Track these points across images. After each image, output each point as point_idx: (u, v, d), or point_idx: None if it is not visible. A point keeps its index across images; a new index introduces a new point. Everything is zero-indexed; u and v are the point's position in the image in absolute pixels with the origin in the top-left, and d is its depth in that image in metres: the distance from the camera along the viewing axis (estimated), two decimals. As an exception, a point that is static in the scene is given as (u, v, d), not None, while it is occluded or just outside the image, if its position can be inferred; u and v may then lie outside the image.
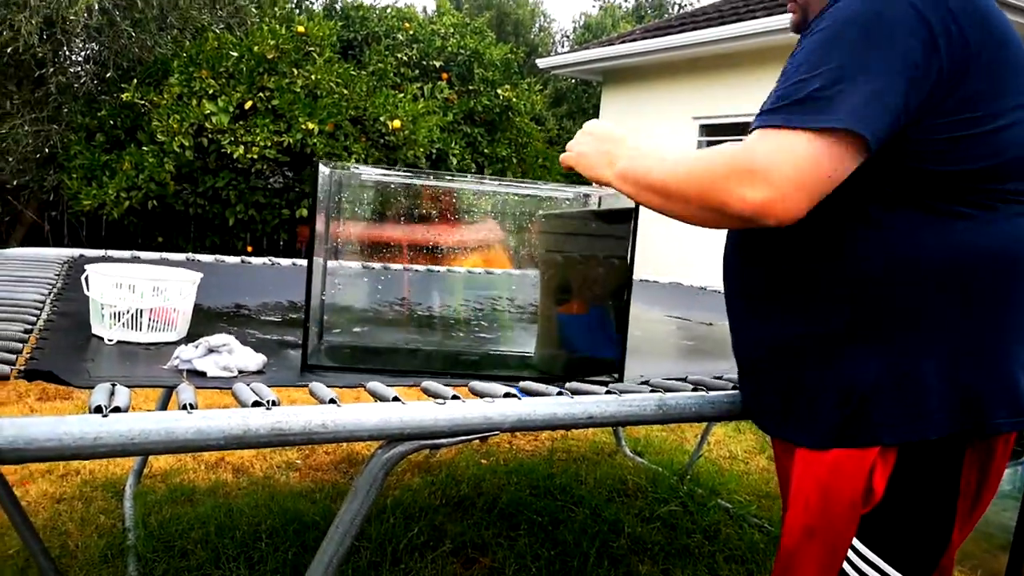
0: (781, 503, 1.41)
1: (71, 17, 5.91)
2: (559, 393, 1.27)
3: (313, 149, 5.62)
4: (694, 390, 1.40)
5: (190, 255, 2.76)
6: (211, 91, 5.73)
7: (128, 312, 1.43)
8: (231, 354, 1.28)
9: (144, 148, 5.83)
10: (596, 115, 10.43)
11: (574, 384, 1.40)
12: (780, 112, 0.95)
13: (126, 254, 2.70)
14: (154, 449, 0.94)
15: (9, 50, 5.87)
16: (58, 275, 2.15)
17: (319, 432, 1.04)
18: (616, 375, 1.50)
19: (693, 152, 1.07)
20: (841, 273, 1.05)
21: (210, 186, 5.96)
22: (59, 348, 1.35)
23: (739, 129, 6.91)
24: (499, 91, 7.14)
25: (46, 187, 6.56)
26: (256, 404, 1.04)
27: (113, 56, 6.73)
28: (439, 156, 6.48)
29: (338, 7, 7.62)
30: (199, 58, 6.05)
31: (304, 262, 2.95)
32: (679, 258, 6.95)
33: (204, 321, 1.71)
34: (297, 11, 7.80)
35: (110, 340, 1.42)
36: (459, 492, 3.01)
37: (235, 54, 5.94)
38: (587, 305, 1.56)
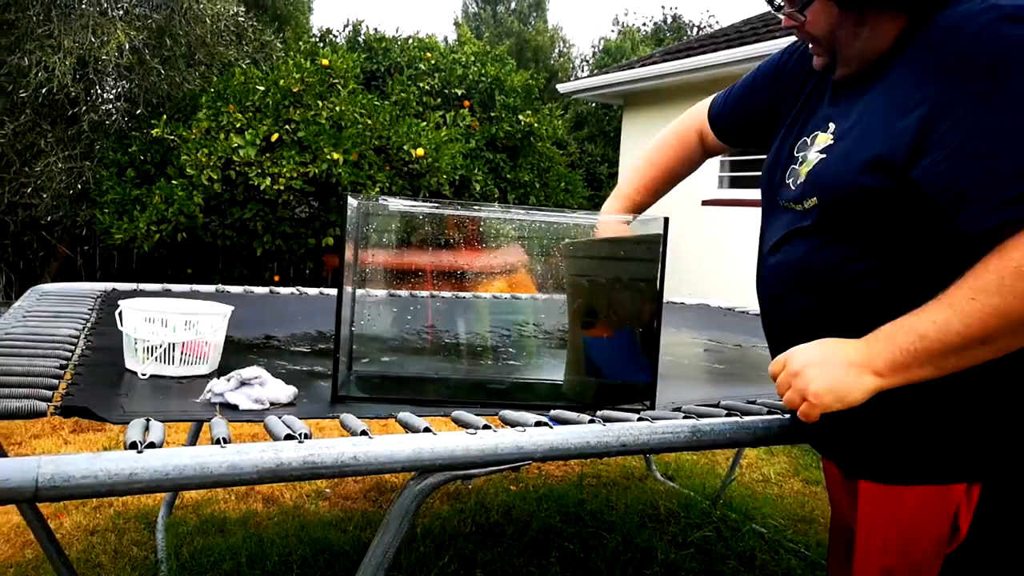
0: (830, 537, 1.38)
1: (103, 57, 6.07)
2: (591, 421, 1.26)
3: (338, 179, 5.69)
4: (728, 416, 1.38)
5: (219, 287, 2.80)
6: (238, 125, 5.84)
7: (161, 346, 1.44)
8: (263, 386, 1.28)
9: (173, 182, 5.94)
10: (618, 138, 10.45)
11: (605, 412, 1.38)
12: None
13: (157, 287, 2.74)
14: (188, 484, 0.94)
15: (44, 90, 6.03)
16: (91, 309, 2.19)
17: (351, 465, 1.03)
18: (647, 402, 1.48)
19: (969, 289, 0.92)
20: None
21: (238, 217, 6.05)
22: (94, 383, 1.36)
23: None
24: (520, 117, 7.19)
25: (79, 222, 6.70)
26: (288, 437, 1.04)
27: (143, 93, 6.89)
28: (462, 182, 6.53)
29: (361, 40, 7.75)
30: (226, 93, 6.17)
31: (332, 291, 2.97)
32: (705, 277, 6.90)
33: (235, 353, 1.72)
34: (321, 44, 7.95)
35: (143, 374, 1.44)
36: (489, 519, 2.98)
37: (261, 88, 6.05)
38: (616, 331, 1.55)
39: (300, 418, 1.27)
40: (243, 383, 1.27)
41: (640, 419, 1.30)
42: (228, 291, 2.77)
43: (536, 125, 7.21)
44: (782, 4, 1.15)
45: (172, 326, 1.47)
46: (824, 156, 1.12)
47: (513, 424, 1.27)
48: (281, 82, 6.02)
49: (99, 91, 6.72)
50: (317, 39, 8.41)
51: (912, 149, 0.97)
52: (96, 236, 6.60)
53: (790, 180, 1.20)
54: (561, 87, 9.11)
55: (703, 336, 2.73)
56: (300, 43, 7.80)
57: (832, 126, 1.14)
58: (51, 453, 1.20)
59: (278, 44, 8.22)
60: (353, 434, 1.11)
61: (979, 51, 0.92)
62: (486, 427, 1.18)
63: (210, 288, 2.80)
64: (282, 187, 5.66)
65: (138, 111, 6.82)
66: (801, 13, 1.12)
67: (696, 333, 2.80)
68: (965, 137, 0.92)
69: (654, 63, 8.25)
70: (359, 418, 1.27)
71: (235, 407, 1.25)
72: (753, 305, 3.55)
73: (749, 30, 7.86)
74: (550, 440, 1.18)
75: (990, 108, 0.90)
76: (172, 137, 6.10)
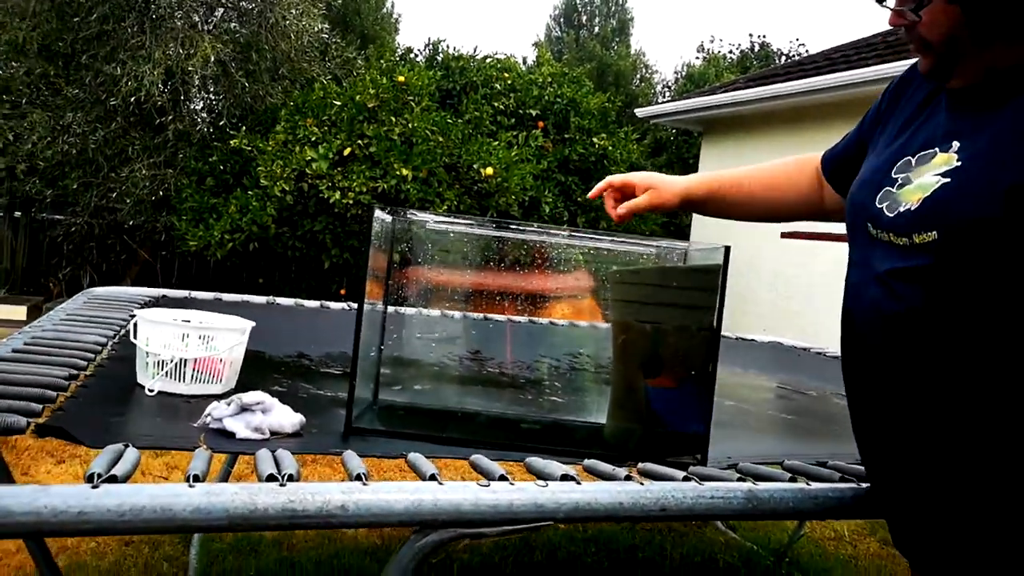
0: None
1: (190, 68, 6.25)
2: (627, 477, 1.09)
3: (407, 195, 5.67)
4: (792, 479, 1.18)
5: (271, 299, 2.74)
6: (314, 138, 5.90)
7: (171, 361, 1.35)
8: (265, 413, 1.17)
9: (249, 192, 6.04)
10: (696, 165, 10.18)
11: (648, 465, 1.21)
12: None
13: (209, 295, 2.70)
14: (147, 528, 0.82)
15: (133, 99, 6.25)
16: (131, 316, 2.14)
17: (338, 516, 0.90)
18: (699, 455, 1.30)
19: None
20: None
21: (308, 229, 6.10)
22: (95, 398, 1.28)
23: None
24: (595, 139, 7.04)
25: (159, 228, 6.90)
26: (271, 478, 0.92)
27: (228, 104, 7.08)
28: (532, 203, 6.42)
29: (439, 58, 7.78)
30: (305, 107, 6.26)
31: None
32: (780, 313, 6.56)
33: (258, 371, 1.63)
34: (402, 63, 8.02)
35: (151, 391, 1.35)
36: (533, 559, 2.80)
37: (338, 103, 6.11)
38: (666, 373, 1.37)
39: (304, 452, 1.15)
40: (243, 408, 1.16)
41: (686, 478, 1.12)
42: (279, 303, 2.71)
43: (611, 148, 7.05)
44: None
45: (186, 340, 1.38)
46: (947, 180, 0.91)
47: (538, 474, 1.11)
48: (357, 97, 6.06)
49: (186, 102, 6.93)
50: (398, 58, 8.50)
51: None
52: (174, 243, 6.78)
53: (883, 205, 0.99)
54: (639, 111, 8.93)
55: (773, 379, 2.51)
56: (382, 61, 7.88)
57: (956, 144, 0.94)
58: (37, 477, 1.12)
59: (360, 61, 8.34)
60: (350, 477, 0.97)
61: None
62: (503, 478, 1.03)
63: (262, 299, 2.75)
64: (351, 201, 5.67)
65: (221, 122, 7.00)
66: (916, 13, 0.94)
67: (765, 375, 2.58)
68: None
69: (736, 89, 7.98)
70: (368, 456, 1.14)
71: (232, 434, 1.14)
72: (832, 346, 3.28)
73: (840, 56, 7.51)
74: (575, 499, 1.02)
75: None
76: (250, 148, 6.21)
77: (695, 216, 8.57)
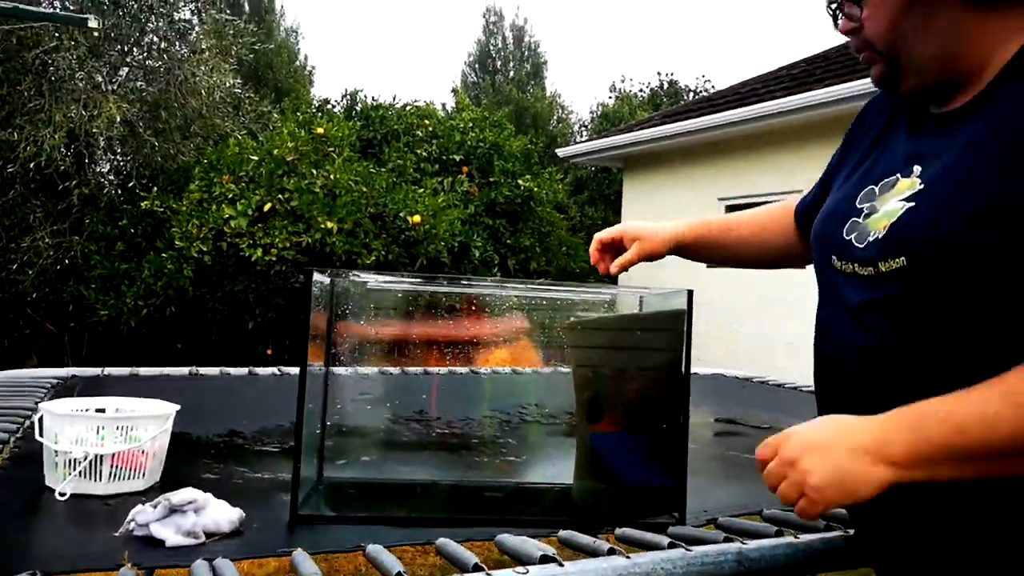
0: None
1: (94, 130, 5.98)
2: (611, 551, 1.00)
3: (332, 248, 5.51)
4: (778, 533, 1.11)
5: (193, 369, 2.55)
6: (231, 195, 5.70)
7: (85, 459, 1.19)
8: (198, 513, 1.03)
9: (163, 255, 5.76)
10: (618, 201, 10.35)
11: (627, 530, 1.12)
12: None
13: (124, 371, 2.49)
14: None
15: (32, 165, 5.91)
16: (38, 403, 1.94)
17: (293, 637, 0.77)
18: (676, 514, 1.22)
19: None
20: None
21: (229, 290, 5.85)
22: (-6, 510, 1.11)
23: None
24: (520, 181, 7.06)
25: (65, 298, 6.50)
26: (211, 600, 0.78)
27: (136, 166, 6.79)
28: (462, 249, 6.35)
29: (358, 108, 7.70)
30: (219, 163, 6.06)
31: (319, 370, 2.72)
32: (716, 344, 6.64)
33: (186, 458, 1.47)
34: (319, 115, 7.90)
35: (62, 495, 1.18)
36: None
37: (255, 158, 5.94)
38: (635, 428, 1.30)
39: (248, 556, 1.02)
40: (173, 510, 1.01)
41: (671, 544, 1.03)
42: (202, 373, 2.52)
43: (536, 189, 7.08)
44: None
45: (101, 433, 1.22)
46: (912, 204, 0.87)
47: (513, 556, 1.01)
48: (275, 151, 5.90)
49: (91, 164, 6.61)
50: (315, 110, 8.37)
51: None
52: (84, 313, 6.39)
53: (851, 237, 0.95)
54: (560, 151, 9.04)
55: (723, 413, 2.47)
56: (298, 113, 7.75)
57: (917, 168, 0.90)
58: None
59: (275, 115, 8.18)
60: (302, 586, 0.85)
61: None
62: (477, 568, 0.92)
63: (183, 370, 2.55)
64: (274, 258, 5.47)
65: (130, 184, 6.70)
66: (858, 5, 0.91)
67: (715, 410, 2.54)
68: None
69: (652, 126, 8.18)
70: (321, 552, 1.01)
71: (161, 542, 0.99)
72: (772, 374, 3.28)
73: (749, 91, 7.80)
74: (559, 583, 0.92)
75: None
76: (163, 209, 5.95)
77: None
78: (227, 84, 7.45)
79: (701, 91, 16.00)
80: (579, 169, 12.49)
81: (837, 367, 0.97)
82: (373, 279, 1.23)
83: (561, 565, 0.94)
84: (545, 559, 0.95)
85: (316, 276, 1.19)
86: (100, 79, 6.66)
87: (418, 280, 1.35)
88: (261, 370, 2.65)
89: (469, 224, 6.52)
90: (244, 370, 2.63)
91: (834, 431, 0.82)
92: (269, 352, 6.22)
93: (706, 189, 7.64)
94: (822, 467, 0.80)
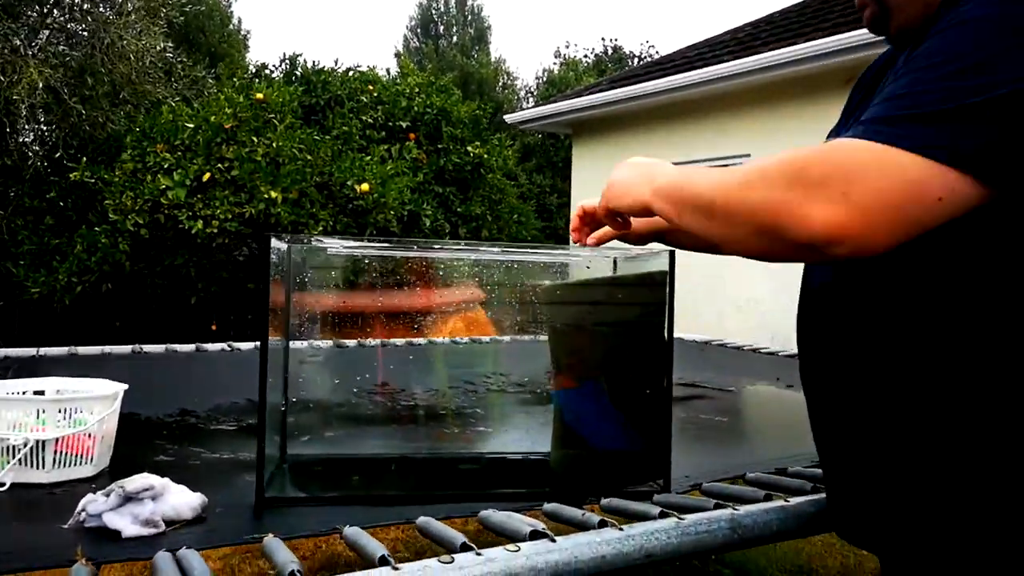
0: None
1: (15, 97, 5.61)
2: (601, 523, 0.95)
3: (277, 219, 5.32)
4: (767, 497, 1.09)
5: (136, 347, 2.42)
6: (167, 165, 5.43)
7: (26, 445, 1.09)
8: (156, 500, 0.94)
9: (96, 229, 5.48)
10: (566, 168, 10.30)
11: (613, 500, 1.08)
12: None
13: (62, 350, 2.34)
14: None
15: (-52, 134, 5.54)
16: (-33, 387, 1.80)
17: (274, 633, 0.70)
18: (660, 481, 1.19)
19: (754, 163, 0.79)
20: None
21: (169, 264, 5.61)
22: (-77, 506, 1.00)
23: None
24: (469, 148, 6.93)
25: (-8, 276, 6.16)
26: (179, 596, 0.71)
27: (63, 135, 6.43)
28: (411, 218, 6.21)
29: (298, 73, 7.42)
30: (153, 132, 5.76)
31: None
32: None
33: (136, 440, 1.37)
34: (257, 80, 7.59)
35: (2, 485, 1.08)
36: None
37: (191, 125, 5.67)
38: (615, 393, 1.25)
39: (214, 545, 0.94)
40: (128, 499, 0.93)
41: (663, 513, 0.99)
42: (147, 351, 2.39)
43: (486, 156, 6.97)
44: None
45: (42, 417, 1.12)
46: None
47: (499, 532, 0.96)
48: (212, 118, 5.64)
49: (13, 134, 6.23)
50: (252, 75, 8.05)
51: None
52: (13, 291, 6.06)
53: None
54: (508, 117, 8.92)
55: (687, 378, 2.46)
56: (235, 79, 7.43)
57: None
58: None
59: (210, 80, 7.84)
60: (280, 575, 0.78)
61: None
62: (465, 547, 0.86)
63: (126, 349, 2.41)
64: (216, 230, 5.26)
65: (57, 154, 6.34)
66: None
67: (679, 373, 2.53)
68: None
69: (601, 91, 8.12)
70: (294, 537, 0.94)
71: (117, 533, 0.91)
72: (730, 337, 3.29)
73: (696, 55, 7.79)
74: (553, 560, 0.87)
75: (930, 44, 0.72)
76: (94, 180, 5.65)
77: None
78: (157, 48, 7.09)
79: (646, 57, 15.99)
80: (526, 136, 12.38)
81: (802, 325, 0.97)
82: (336, 244, 1.14)
83: (553, 540, 0.89)
84: (536, 535, 0.90)
85: (274, 242, 1.10)
86: (18, 42, 6.26)
87: (384, 245, 1.27)
88: (210, 346, 2.53)
89: (418, 192, 6.38)
90: (191, 346, 2.51)
91: (650, 161, 0.98)
92: (214, 328, 6.02)
93: (658, 154, 7.56)
94: (619, 174, 1.02)
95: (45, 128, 6.59)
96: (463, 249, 1.34)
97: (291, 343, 1.29)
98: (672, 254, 1.16)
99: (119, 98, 6.84)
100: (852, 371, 0.86)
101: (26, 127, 6.47)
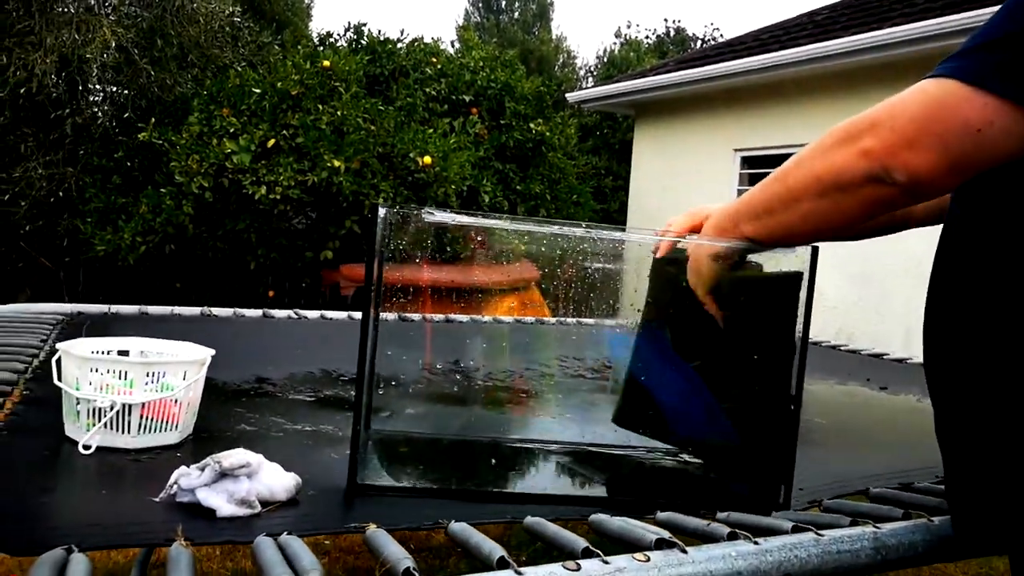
0: None
1: (87, 56, 5.68)
2: (731, 535, 0.86)
3: (339, 188, 5.30)
4: (905, 516, 0.98)
5: (205, 309, 2.39)
6: (232, 129, 5.45)
7: (112, 408, 1.04)
8: (251, 479, 0.88)
9: (162, 190, 5.53)
10: (623, 151, 10.09)
11: (734, 514, 0.98)
12: None
13: (133, 309, 2.33)
14: None
15: (23, 91, 5.63)
16: (44, 341, 1.78)
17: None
18: (782, 497, 1.08)
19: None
20: None
21: (230, 228, 5.64)
22: (9, 466, 0.96)
23: (782, 160, 6.66)
24: (532, 125, 6.81)
25: (60, 232, 6.28)
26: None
27: (132, 96, 6.50)
28: (470, 193, 6.14)
29: (363, 42, 7.37)
30: (220, 96, 5.78)
31: (334, 314, 2.57)
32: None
33: (216, 407, 1.32)
34: (321, 48, 7.57)
35: (86, 448, 1.03)
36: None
37: (257, 91, 5.67)
38: (732, 402, 1.15)
39: (315, 532, 0.87)
40: (223, 474, 0.86)
41: (796, 528, 0.90)
42: (215, 314, 2.36)
43: (548, 134, 6.84)
44: None
45: (130, 379, 1.07)
46: None
47: (617, 539, 0.87)
48: (279, 84, 5.63)
49: (84, 93, 6.33)
50: (317, 43, 8.03)
51: None
52: (79, 248, 6.18)
53: None
54: (570, 96, 8.77)
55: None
56: (299, 47, 7.42)
57: None
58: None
59: (276, 46, 7.85)
60: (394, 574, 0.70)
61: None
62: (588, 552, 0.78)
63: (195, 310, 2.39)
64: (278, 196, 5.26)
65: (126, 114, 6.42)
66: None
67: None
68: None
69: (668, 71, 7.90)
70: (397, 528, 0.87)
71: (211, 512, 0.85)
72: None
73: (769, 37, 7.52)
74: (685, 572, 0.78)
75: None
76: (161, 142, 5.70)
77: (630, 208, 8.47)
78: (225, 13, 7.12)
79: (709, 39, 15.57)
80: (584, 116, 12.18)
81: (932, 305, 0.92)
82: (449, 217, 1.06)
83: (684, 551, 0.80)
84: (663, 543, 0.82)
85: (380, 210, 1.03)
86: (93, 2, 6.33)
87: (501, 219, 1.18)
88: (277, 312, 2.50)
89: (479, 168, 6.30)
90: (258, 312, 2.47)
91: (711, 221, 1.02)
92: (271, 295, 6.06)
93: (722, 140, 7.42)
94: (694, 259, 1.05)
95: (115, 88, 6.68)
96: (580, 230, 1.25)
97: (381, 315, 1.22)
98: (815, 250, 1.04)
99: (187, 61, 6.89)
100: (986, 359, 0.82)
101: (97, 86, 6.56)
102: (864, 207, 0.81)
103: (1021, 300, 0.77)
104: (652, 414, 1.21)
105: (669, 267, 1.12)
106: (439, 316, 2.29)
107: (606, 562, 0.76)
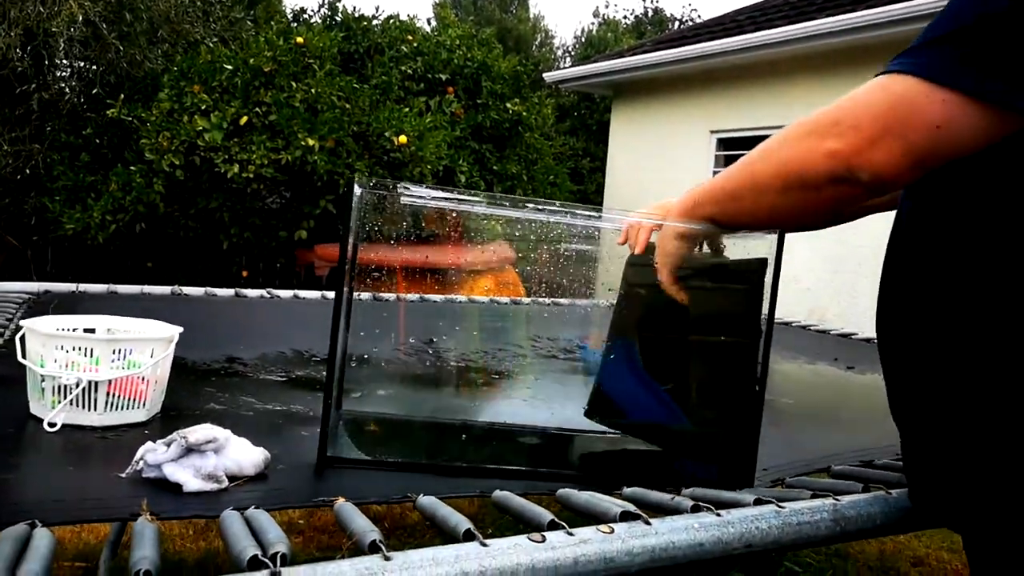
0: None
1: (53, 29, 5.54)
2: (695, 508, 0.88)
3: (313, 167, 5.24)
4: (865, 489, 1.00)
5: (176, 288, 2.37)
6: (204, 107, 5.36)
7: (78, 386, 1.03)
8: (218, 454, 0.88)
9: (132, 168, 5.44)
10: (601, 132, 10.09)
11: (698, 489, 1.00)
12: None
13: (101, 288, 2.30)
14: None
15: (-13, 65, 5.49)
16: (10, 320, 1.75)
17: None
18: (745, 473, 1.10)
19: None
20: None
21: (203, 207, 5.57)
22: (-28, 445, 0.95)
23: (758, 143, 6.67)
24: (508, 105, 6.78)
25: (27, 210, 6.16)
26: (254, 565, 0.65)
27: (100, 71, 6.36)
28: (446, 173, 6.11)
29: (338, 19, 7.27)
30: (191, 72, 5.68)
31: (308, 294, 2.55)
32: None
33: (185, 386, 1.31)
34: (295, 24, 7.46)
35: (51, 426, 1.02)
36: None
37: (229, 67, 5.57)
38: (697, 385, 1.17)
39: (282, 505, 0.88)
40: (189, 450, 0.86)
41: (758, 501, 0.92)
42: (186, 293, 2.34)
43: (525, 115, 6.81)
44: None
45: (96, 356, 1.06)
46: None
47: (584, 512, 0.89)
48: (251, 61, 5.54)
49: (51, 68, 6.18)
50: (291, 19, 7.91)
51: None
52: (47, 226, 6.06)
53: None
54: (548, 76, 8.72)
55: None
56: (272, 23, 7.30)
57: None
58: None
59: (248, 22, 7.71)
60: (361, 549, 0.71)
61: None
62: (553, 524, 0.79)
63: (166, 289, 2.37)
64: (251, 175, 5.19)
65: (94, 90, 6.28)
66: None
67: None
68: None
69: (645, 52, 7.89)
70: (365, 502, 0.87)
71: (178, 487, 0.85)
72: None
73: (746, 19, 7.53)
74: (649, 545, 0.80)
75: None
76: (131, 119, 5.59)
77: (607, 189, 8.47)
78: (197, -13, 6.97)
79: (687, 20, 15.56)
80: (561, 97, 12.13)
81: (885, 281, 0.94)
82: (427, 193, 1.06)
83: (648, 523, 0.82)
84: (627, 516, 0.83)
85: (356, 188, 1.02)
86: (59, -26, 6.15)
87: (480, 199, 1.17)
88: (249, 292, 2.48)
89: (455, 148, 6.26)
90: (230, 291, 2.46)
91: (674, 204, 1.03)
92: (245, 275, 6.00)
93: (699, 121, 7.44)
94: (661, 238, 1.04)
95: (83, 63, 6.53)
96: (555, 211, 1.25)
97: (355, 295, 1.22)
98: (781, 235, 1.05)
99: (157, 36, 6.75)
100: (934, 342, 0.84)
101: (64, 61, 6.41)
102: (828, 204, 0.83)
103: (968, 286, 0.79)
104: (620, 411, 1.22)
105: (640, 267, 1.12)
106: (413, 296, 2.29)
107: (571, 534, 0.77)
